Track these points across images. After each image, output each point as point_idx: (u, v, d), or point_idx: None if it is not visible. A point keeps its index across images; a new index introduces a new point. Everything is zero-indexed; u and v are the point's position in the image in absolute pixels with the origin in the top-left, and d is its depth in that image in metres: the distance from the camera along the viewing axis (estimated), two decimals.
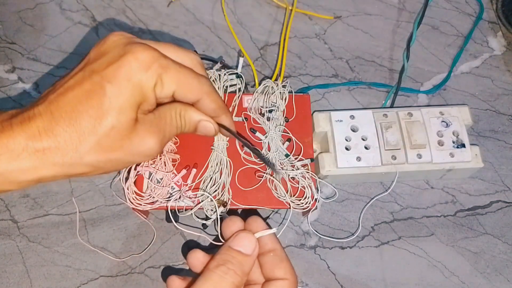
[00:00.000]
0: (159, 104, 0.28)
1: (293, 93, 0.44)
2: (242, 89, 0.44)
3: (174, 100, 0.29)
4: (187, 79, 0.28)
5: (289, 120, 0.43)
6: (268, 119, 0.42)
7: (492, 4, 0.56)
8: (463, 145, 0.43)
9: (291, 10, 0.53)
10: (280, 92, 0.43)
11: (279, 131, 0.42)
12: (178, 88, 0.27)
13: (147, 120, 0.27)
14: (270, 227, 0.30)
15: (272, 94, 0.43)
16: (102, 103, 0.25)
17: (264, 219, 0.31)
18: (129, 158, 0.26)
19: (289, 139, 0.42)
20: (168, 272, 0.42)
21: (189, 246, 0.43)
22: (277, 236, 0.31)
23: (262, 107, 0.43)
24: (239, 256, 0.28)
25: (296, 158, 0.41)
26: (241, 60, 0.46)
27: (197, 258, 0.29)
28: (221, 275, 0.27)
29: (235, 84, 0.44)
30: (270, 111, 0.42)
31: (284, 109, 0.43)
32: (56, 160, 0.24)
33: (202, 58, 0.48)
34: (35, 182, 0.25)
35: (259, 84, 0.44)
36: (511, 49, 0.53)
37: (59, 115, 0.24)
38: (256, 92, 0.43)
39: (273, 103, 0.43)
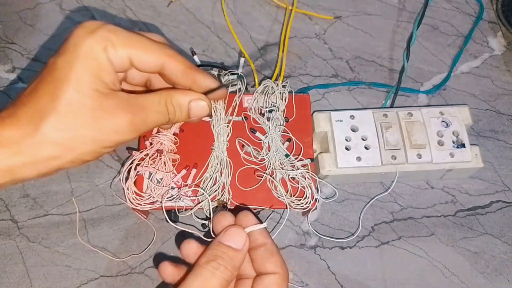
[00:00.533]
0: (145, 91, 0.28)
1: (293, 93, 0.44)
2: (243, 89, 0.44)
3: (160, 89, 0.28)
4: (142, 41, 0.27)
5: (289, 120, 0.43)
6: (268, 119, 0.42)
7: (492, 4, 0.56)
8: (463, 145, 0.43)
9: (291, 10, 0.53)
10: (280, 92, 0.43)
11: (279, 131, 0.42)
12: (132, 50, 0.26)
13: (119, 96, 0.26)
14: (261, 222, 0.30)
15: (272, 94, 0.43)
16: (57, 76, 0.24)
17: (255, 214, 0.31)
18: (98, 135, 0.25)
19: (289, 139, 0.42)
20: (160, 259, 0.42)
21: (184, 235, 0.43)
22: (270, 232, 0.31)
23: (262, 107, 0.43)
24: (229, 251, 0.28)
25: (296, 158, 0.41)
26: (241, 60, 0.46)
27: (191, 249, 0.29)
28: (212, 270, 0.27)
29: (236, 84, 0.44)
30: (270, 111, 0.42)
31: (284, 109, 0.43)
32: (22, 143, 0.24)
33: (201, 65, 0.48)
34: (8, 177, 0.24)
35: (259, 84, 0.44)
36: (511, 49, 0.53)
37: (20, 101, 0.24)
38: (256, 92, 0.43)
39: (273, 103, 0.43)
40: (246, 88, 0.46)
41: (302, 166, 0.40)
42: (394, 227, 0.44)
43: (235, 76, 0.44)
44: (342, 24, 0.54)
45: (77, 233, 0.43)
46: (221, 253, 0.28)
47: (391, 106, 0.48)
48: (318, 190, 0.40)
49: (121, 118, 0.26)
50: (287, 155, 0.41)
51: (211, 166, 0.41)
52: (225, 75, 0.44)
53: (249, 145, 0.41)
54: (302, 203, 0.39)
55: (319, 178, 0.42)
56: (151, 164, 0.40)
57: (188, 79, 0.29)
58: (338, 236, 0.43)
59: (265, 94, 0.43)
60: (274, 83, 0.43)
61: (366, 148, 0.43)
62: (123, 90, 0.27)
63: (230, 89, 0.44)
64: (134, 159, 0.40)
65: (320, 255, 0.42)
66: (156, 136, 0.41)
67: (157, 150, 0.40)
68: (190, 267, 0.28)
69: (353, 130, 0.44)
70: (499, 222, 0.44)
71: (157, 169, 0.40)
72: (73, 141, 0.25)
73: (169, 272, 0.29)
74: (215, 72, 0.44)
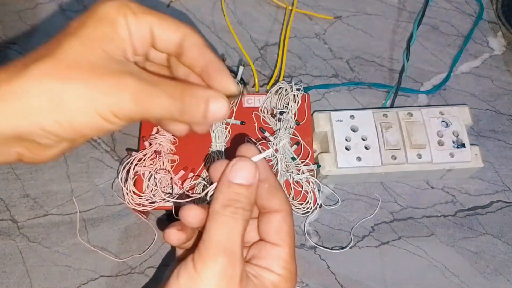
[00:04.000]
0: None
1: (306, 95, 0.44)
2: (240, 95, 0.44)
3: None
4: (163, 15, 0.25)
5: (300, 123, 0.42)
6: (279, 120, 0.42)
7: (492, 4, 0.56)
8: (463, 145, 0.43)
9: (291, 10, 0.53)
10: (294, 95, 0.43)
11: (288, 133, 0.42)
12: (154, 19, 0.25)
13: (130, 65, 0.23)
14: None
15: (285, 96, 0.43)
16: (66, 32, 0.22)
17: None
18: (94, 93, 0.21)
19: (297, 143, 0.42)
20: (160, 259, 0.42)
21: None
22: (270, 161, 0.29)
23: (274, 107, 0.43)
24: (243, 190, 0.25)
25: (302, 162, 0.41)
26: (240, 68, 0.46)
27: (194, 216, 0.26)
28: (233, 216, 0.24)
29: None
30: (281, 113, 0.42)
31: (295, 112, 0.43)
32: (2, 85, 0.21)
33: None
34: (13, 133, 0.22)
35: (273, 85, 0.44)
36: (511, 49, 0.53)
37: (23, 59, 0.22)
38: (270, 92, 0.43)
39: (285, 105, 0.43)
40: (246, 88, 0.46)
41: (307, 171, 0.40)
42: (394, 227, 0.44)
43: (235, 81, 0.44)
44: (342, 24, 0.54)
45: (77, 233, 0.43)
46: (236, 195, 0.25)
47: (391, 106, 0.48)
48: (320, 191, 0.40)
49: (126, 82, 0.22)
50: (293, 158, 0.41)
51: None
52: None
53: (256, 143, 0.41)
54: (304, 208, 0.39)
55: (319, 178, 0.42)
56: (149, 165, 0.40)
57: (204, 58, 0.26)
58: (338, 236, 0.43)
59: (278, 95, 0.43)
60: (289, 85, 0.43)
61: (366, 148, 0.43)
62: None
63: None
64: (133, 160, 0.40)
65: (320, 255, 0.42)
66: (155, 137, 0.41)
67: (155, 151, 0.40)
68: (193, 229, 0.27)
69: (353, 130, 0.44)
70: (499, 222, 0.44)
71: (156, 170, 0.40)
72: (62, 93, 0.21)
73: (178, 238, 0.27)
74: None
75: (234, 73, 0.46)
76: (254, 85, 0.48)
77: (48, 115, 0.21)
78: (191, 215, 0.26)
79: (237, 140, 0.42)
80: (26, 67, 0.21)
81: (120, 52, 0.23)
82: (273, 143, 0.41)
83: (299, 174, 0.40)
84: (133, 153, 0.40)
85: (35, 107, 0.21)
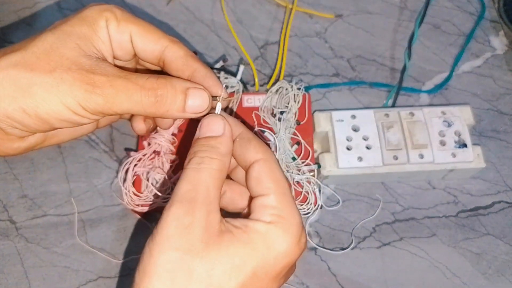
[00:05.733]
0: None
1: (307, 95, 0.43)
2: (240, 94, 0.43)
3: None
4: (147, 24, 0.25)
5: (301, 123, 0.42)
6: (280, 120, 0.42)
7: (494, 3, 0.55)
8: (465, 145, 0.43)
9: (292, 8, 0.53)
10: (294, 94, 0.43)
11: (288, 133, 0.41)
12: (136, 29, 0.25)
13: (103, 65, 0.23)
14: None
15: (286, 95, 0.43)
16: (45, 30, 0.23)
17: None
18: (60, 85, 0.22)
19: (298, 143, 0.41)
20: None
21: None
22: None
23: (274, 107, 0.42)
24: (209, 141, 0.25)
25: (303, 162, 0.41)
26: (241, 67, 0.45)
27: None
28: (196, 167, 0.24)
29: (234, 86, 0.44)
30: (282, 113, 0.42)
31: (296, 111, 0.42)
32: None
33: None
34: None
35: (273, 84, 0.44)
36: None
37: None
38: (270, 91, 0.43)
39: (285, 105, 0.43)
40: (246, 88, 0.46)
41: (308, 172, 0.40)
42: (396, 228, 0.43)
43: (235, 81, 0.44)
44: (343, 23, 0.54)
45: (76, 233, 0.42)
46: (200, 146, 0.25)
47: (393, 106, 0.48)
48: (320, 192, 0.40)
49: (94, 77, 0.22)
50: (293, 158, 0.40)
51: None
52: (225, 78, 0.44)
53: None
54: (304, 208, 0.39)
55: (319, 178, 0.42)
56: (148, 165, 0.39)
57: (188, 68, 0.26)
58: (339, 237, 0.43)
59: (278, 95, 0.43)
60: (289, 84, 0.43)
61: (367, 148, 0.42)
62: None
63: (229, 90, 0.44)
64: (132, 160, 0.40)
65: (321, 257, 0.42)
66: (154, 137, 0.40)
67: (155, 151, 0.40)
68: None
69: (354, 130, 0.43)
70: (501, 222, 0.44)
71: (155, 170, 0.39)
72: (29, 83, 0.22)
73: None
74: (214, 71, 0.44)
75: (234, 73, 0.46)
76: (254, 84, 0.47)
77: (14, 102, 0.22)
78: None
79: None
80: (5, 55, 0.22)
81: (96, 51, 0.24)
82: (273, 143, 0.41)
83: (299, 175, 0.40)
84: (132, 153, 0.40)
85: (1, 92, 0.22)
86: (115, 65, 0.25)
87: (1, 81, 0.22)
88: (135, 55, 0.27)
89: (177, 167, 0.40)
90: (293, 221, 0.24)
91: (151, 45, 0.26)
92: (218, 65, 0.45)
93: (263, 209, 0.24)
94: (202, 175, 0.23)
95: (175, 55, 0.26)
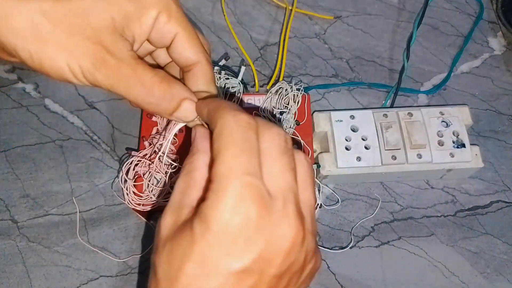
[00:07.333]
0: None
1: (306, 95, 0.44)
2: (241, 95, 0.44)
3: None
4: (193, 31, 0.25)
5: (300, 123, 0.42)
6: (279, 120, 0.42)
7: (492, 4, 0.56)
8: (463, 145, 0.43)
9: (291, 10, 0.53)
10: (294, 95, 0.43)
11: (288, 133, 0.42)
12: (183, 33, 0.24)
13: (124, 48, 0.23)
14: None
15: (285, 96, 0.43)
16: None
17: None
18: (73, 49, 0.22)
19: (298, 143, 0.42)
20: None
21: None
22: None
23: (274, 107, 0.43)
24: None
25: None
26: (242, 68, 0.46)
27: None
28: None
29: (235, 87, 0.44)
30: (281, 113, 0.42)
31: (296, 112, 0.43)
32: None
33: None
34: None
35: (273, 85, 0.44)
36: (511, 49, 0.53)
37: None
38: (270, 92, 0.43)
39: (285, 105, 0.43)
40: (246, 88, 0.46)
41: None
42: (394, 227, 0.44)
43: (236, 81, 0.44)
44: (342, 24, 0.54)
45: (77, 233, 0.43)
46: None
47: (391, 106, 0.48)
48: (320, 192, 0.40)
49: (107, 58, 0.22)
50: None
51: None
52: (226, 79, 0.44)
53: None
54: None
55: (319, 178, 0.42)
56: (149, 165, 0.40)
57: (203, 87, 0.26)
58: (338, 236, 0.43)
59: (278, 95, 0.43)
60: (289, 85, 0.43)
61: (366, 148, 0.43)
62: None
63: (230, 90, 0.44)
64: (133, 160, 0.40)
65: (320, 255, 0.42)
66: (154, 136, 0.41)
67: (155, 151, 0.40)
68: None
69: (353, 130, 0.43)
70: (499, 222, 0.44)
71: (156, 170, 0.40)
72: (48, 33, 0.22)
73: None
74: (215, 71, 0.44)
75: (235, 72, 0.46)
76: (254, 85, 0.47)
77: (25, 42, 0.22)
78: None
79: None
80: (28, 1, 0.21)
81: (127, 32, 0.23)
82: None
83: None
84: (133, 153, 0.40)
85: (19, 29, 0.22)
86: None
87: (24, 21, 0.22)
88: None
89: (178, 167, 0.41)
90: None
91: (187, 54, 0.25)
92: (221, 63, 0.45)
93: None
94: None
95: (203, 74, 0.26)
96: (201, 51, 0.26)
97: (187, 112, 0.25)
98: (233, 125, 0.21)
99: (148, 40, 0.25)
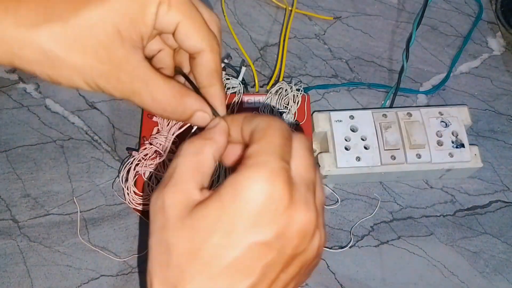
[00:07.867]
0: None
1: (306, 95, 0.44)
2: (241, 95, 0.44)
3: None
4: (197, 17, 0.25)
5: (300, 123, 0.43)
6: None
7: (491, 4, 0.56)
8: (462, 145, 0.43)
9: (291, 10, 0.54)
10: (293, 95, 0.43)
11: None
12: (185, 21, 0.24)
13: (137, 59, 0.23)
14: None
15: (285, 96, 0.43)
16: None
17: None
18: (88, 68, 0.22)
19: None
20: None
21: None
22: None
23: (274, 107, 0.43)
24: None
25: None
26: (243, 69, 0.46)
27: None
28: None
29: (235, 87, 0.44)
30: (281, 113, 0.43)
31: (295, 112, 0.43)
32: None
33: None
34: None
35: (273, 85, 0.44)
36: (510, 49, 0.53)
37: None
38: (270, 92, 0.44)
39: (285, 105, 0.43)
40: (246, 88, 0.46)
41: None
42: (394, 226, 0.44)
43: (236, 82, 0.44)
44: (341, 25, 0.54)
45: (78, 232, 0.43)
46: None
47: (391, 106, 0.48)
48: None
49: (121, 77, 0.23)
50: None
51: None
52: (227, 79, 0.44)
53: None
54: None
55: None
56: (150, 165, 0.40)
57: (208, 81, 0.26)
58: (338, 236, 0.43)
59: (278, 95, 0.43)
60: (289, 85, 0.44)
61: (365, 148, 0.43)
62: None
63: (231, 90, 0.44)
64: (134, 159, 0.40)
65: None
66: (155, 136, 0.41)
67: (156, 151, 0.40)
68: None
69: (353, 130, 0.44)
70: (498, 221, 0.44)
71: (157, 170, 0.40)
72: (60, 60, 0.22)
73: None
74: None
75: (236, 73, 0.47)
76: (254, 85, 0.48)
77: (42, 68, 0.22)
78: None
79: None
80: (38, 27, 0.21)
81: (135, 35, 0.23)
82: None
83: None
84: (134, 152, 0.41)
85: (33, 59, 0.22)
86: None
87: (37, 52, 0.22)
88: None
89: None
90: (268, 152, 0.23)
91: (190, 43, 0.25)
92: (226, 61, 0.45)
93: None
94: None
95: (205, 64, 0.26)
96: (205, 39, 0.25)
97: (200, 121, 0.26)
98: (278, 120, 0.23)
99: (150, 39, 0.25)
